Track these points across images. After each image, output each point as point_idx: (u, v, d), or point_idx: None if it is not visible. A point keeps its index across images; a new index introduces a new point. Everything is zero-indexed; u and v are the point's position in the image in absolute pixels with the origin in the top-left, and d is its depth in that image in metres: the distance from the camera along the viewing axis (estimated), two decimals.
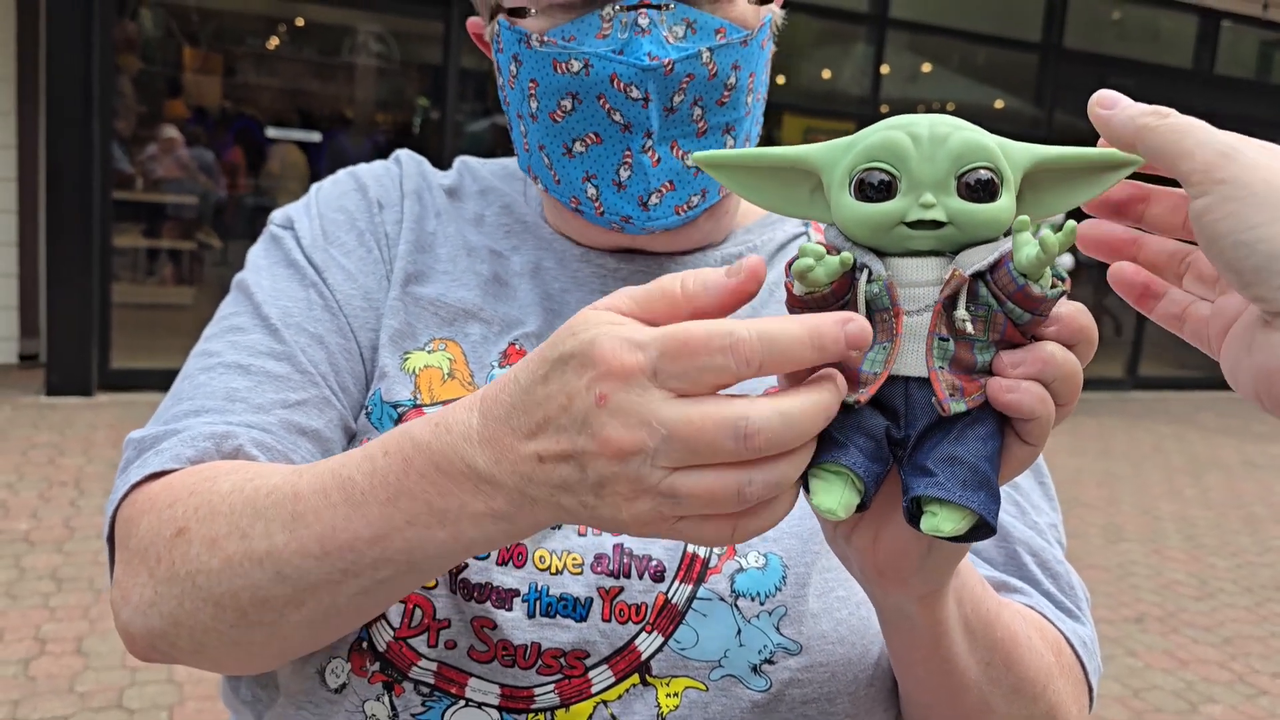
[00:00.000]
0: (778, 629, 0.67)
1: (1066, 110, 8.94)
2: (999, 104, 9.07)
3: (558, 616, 0.66)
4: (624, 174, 0.71)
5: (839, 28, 8.28)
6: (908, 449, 0.47)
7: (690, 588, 0.67)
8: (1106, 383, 9.42)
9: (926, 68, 8.90)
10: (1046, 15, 8.62)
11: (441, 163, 0.91)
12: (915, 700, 0.69)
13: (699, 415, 0.43)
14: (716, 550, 0.68)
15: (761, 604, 0.67)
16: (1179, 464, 6.73)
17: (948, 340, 0.45)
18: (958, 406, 0.45)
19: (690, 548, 0.68)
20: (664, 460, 0.44)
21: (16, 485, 4.37)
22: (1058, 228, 0.44)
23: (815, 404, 0.44)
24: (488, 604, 0.66)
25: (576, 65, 0.69)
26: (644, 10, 0.68)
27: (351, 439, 0.75)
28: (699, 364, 0.44)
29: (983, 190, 0.45)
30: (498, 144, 6.87)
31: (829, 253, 0.47)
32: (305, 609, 0.58)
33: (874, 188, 0.46)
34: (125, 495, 0.67)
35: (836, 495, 0.46)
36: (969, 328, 0.45)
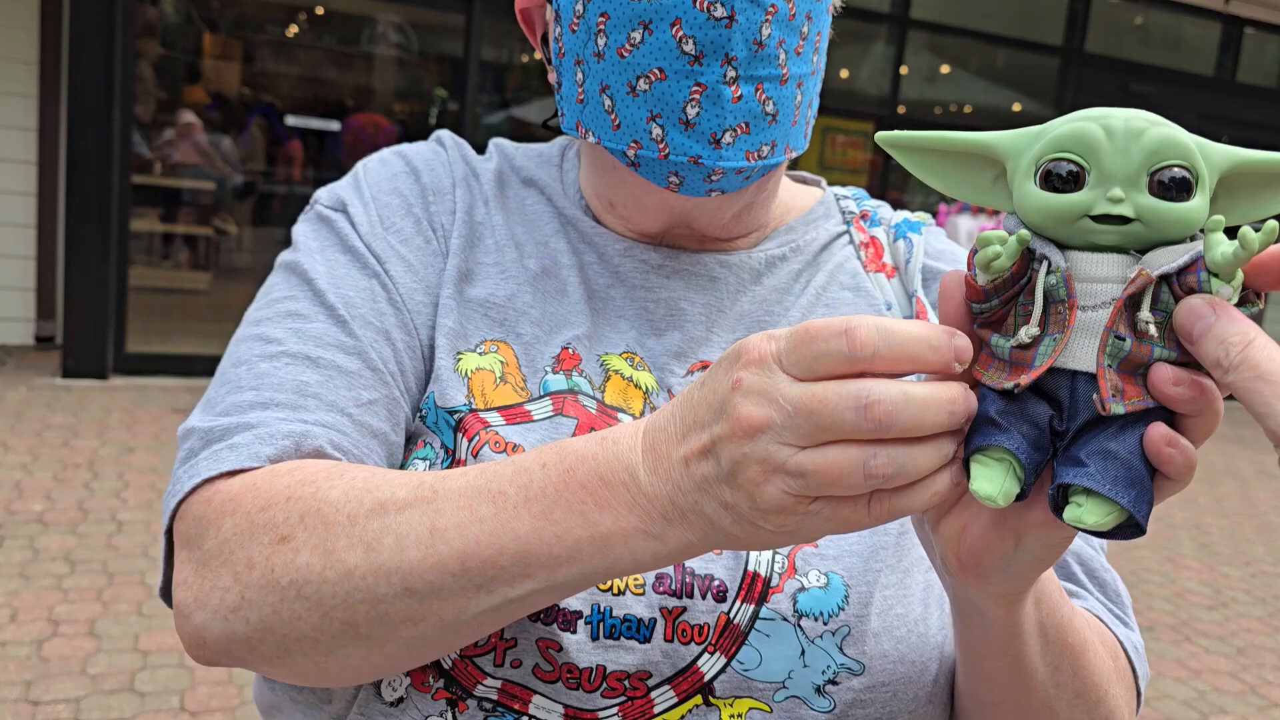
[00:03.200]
0: (841, 649, 0.66)
1: None
2: (1017, 107, 9.03)
3: (621, 638, 0.65)
4: (691, 111, 0.67)
5: (859, 27, 8.25)
6: (1065, 441, 0.46)
7: (753, 608, 0.66)
8: None
9: (945, 69, 8.87)
10: (1069, 19, 8.57)
11: None
12: (979, 697, 0.68)
13: (822, 389, 0.45)
14: (778, 569, 0.67)
15: (825, 624, 0.66)
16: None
17: (1124, 339, 0.44)
18: (1117, 407, 0.44)
19: (752, 566, 0.67)
20: (790, 435, 0.45)
21: (31, 467, 4.38)
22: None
23: (939, 392, 0.45)
24: (554, 626, 0.64)
25: None
26: None
27: (409, 441, 0.72)
28: (817, 349, 0.45)
29: (1176, 188, 0.44)
30: (515, 137, 6.86)
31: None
32: (423, 625, 0.57)
33: (1061, 178, 0.45)
34: (194, 490, 0.64)
35: (998, 482, 0.46)
36: (1151, 329, 0.44)
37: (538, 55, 0.80)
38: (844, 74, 8.52)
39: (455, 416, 0.70)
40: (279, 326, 0.71)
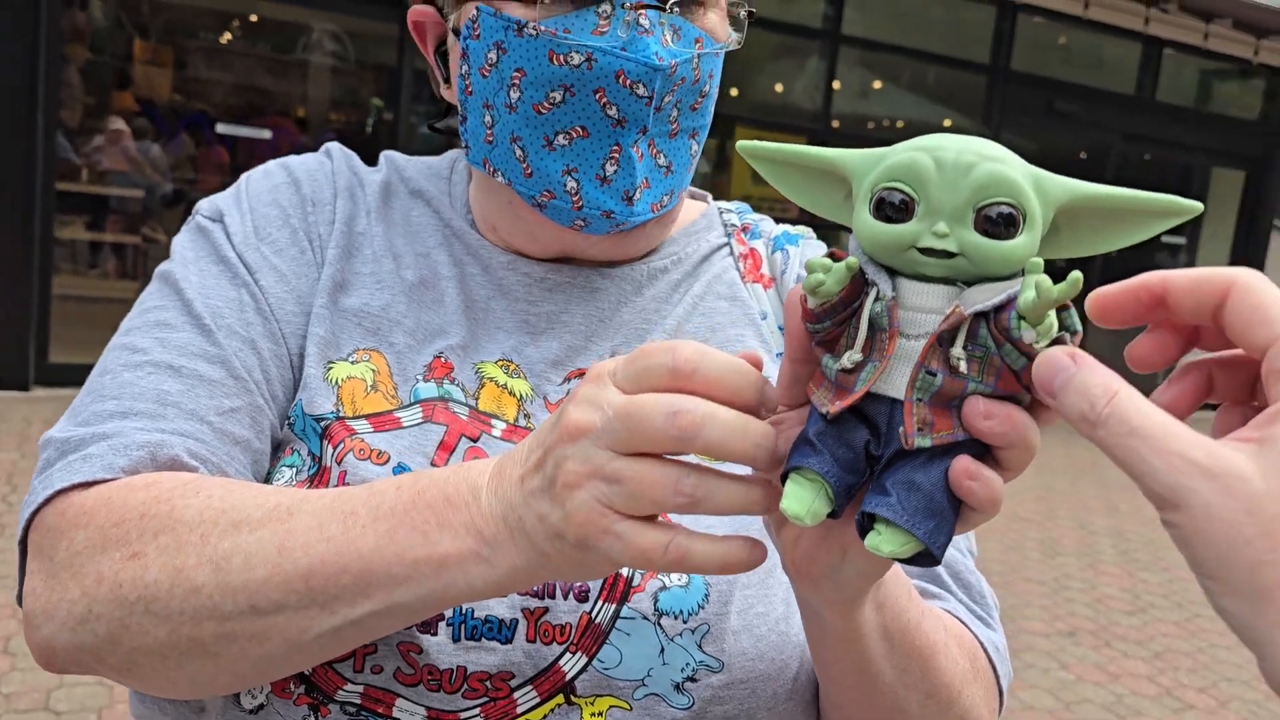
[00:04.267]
0: (700, 647, 0.68)
1: (1013, 131, 9.10)
2: (948, 122, 9.20)
3: (483, 639, 0.66)
4: (610, 169, 0.71)
5: (793, 42, 8.36)
6: (879, 466, 0.47)
7: (614, 607, 0.67)
8: None
9: (878, 85, 9.01)
10: (995, 37, 8.77)
11: None
12: (832, 698, 0.70)
13: (640, 397, 0.48)
14: (639, 569, 0.68)
15: (684, 622, 0.68)
16: (1115, 479, 6.86)
17: (935, 375, 0.44)
18: (922, 441, 0.45)
19: None
20: (609, 439, 0.47)
21: None
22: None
23: (749, 423, 0.48)
24: (413, 629, 0.65)
25: (577, 59, 0.69)
26: (643, 11, 0.69)
27: (277, 448, 0.73)
28: (645, 363, 0.49)
29: (1001, 225, 0.43)
30: (451, 147, 6.84)
31: (839, 260, 0.47)
32: (268, 644, 0.58)
33: (893, 207, 0.44)
34: (49, 500, 0.65)
35: (807, 502, 0.47)
36: (963, 366, 0.44)
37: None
38: (778, 88, 8.62)
39: (322, 424, 0.71)
40: (146, 336, 0.72)
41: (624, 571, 0.68)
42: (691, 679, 0.67)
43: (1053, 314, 0.42)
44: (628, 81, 0.69)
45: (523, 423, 0.74)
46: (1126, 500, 6.34)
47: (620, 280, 0.81)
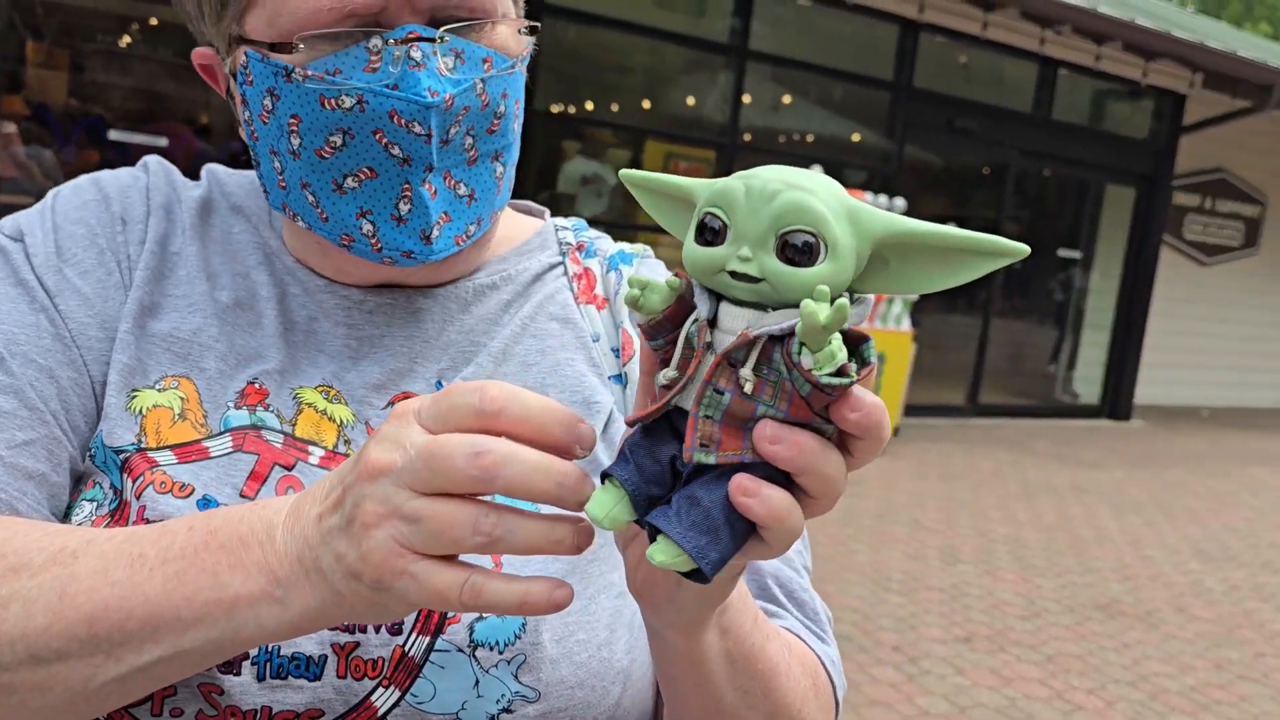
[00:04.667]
0: (516, 677, 0.67)
1: (916, 145, 9.31)
2: (856, 137, 9.38)
3: (289, 677, 0.64)
4: (404, 208, 0.69)
5: (703, 57, 8.44)
6: (680, 481, 0.48)
7: (428, 639, 0.66)
8: (949, 410, 9.81)
9: (787, 99, 9.15)
10: (898, 55, 8.96)
11: None
12: (675, 714, 0.70)
13: (444, 437, 0.47)
14: None
15: (500, 653, 0.67)
16: (1014, 488, 7.05)
17: (723, 393, 0.45)
18: (703, 457, 0.46)
19: None
20: (409, 479, 0.47)
21: None
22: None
23: (551, 463, 0.48)
24: (214, 669, 0.63)
25: (349, 101, 0.66)
26: (415, 44, 0.66)
27: (79, 481, 0.70)
28: (451, 403, 0.48)
29: (801, 253, 0.44)
30: None
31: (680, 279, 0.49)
32: (50, 695, 0.55)
33: (711, 231, 0.46)
34: None
35: (607, 507, 0.48)
36: (748, 387, 0.45)
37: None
38: (690, 101, 8.69)
39: (122, 456, 0.68)
40: None
41: None
42: (507, 710, 0.66)
43: (836, 342, 0.43)
44: (403, 121, 0.66)
45: (342, 449, 0.72)
46: (1025, 508, 6.51)
47: (444, 300, 0.79)
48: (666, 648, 0.62)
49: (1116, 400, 10.96)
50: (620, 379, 0.80)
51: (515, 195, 0.90)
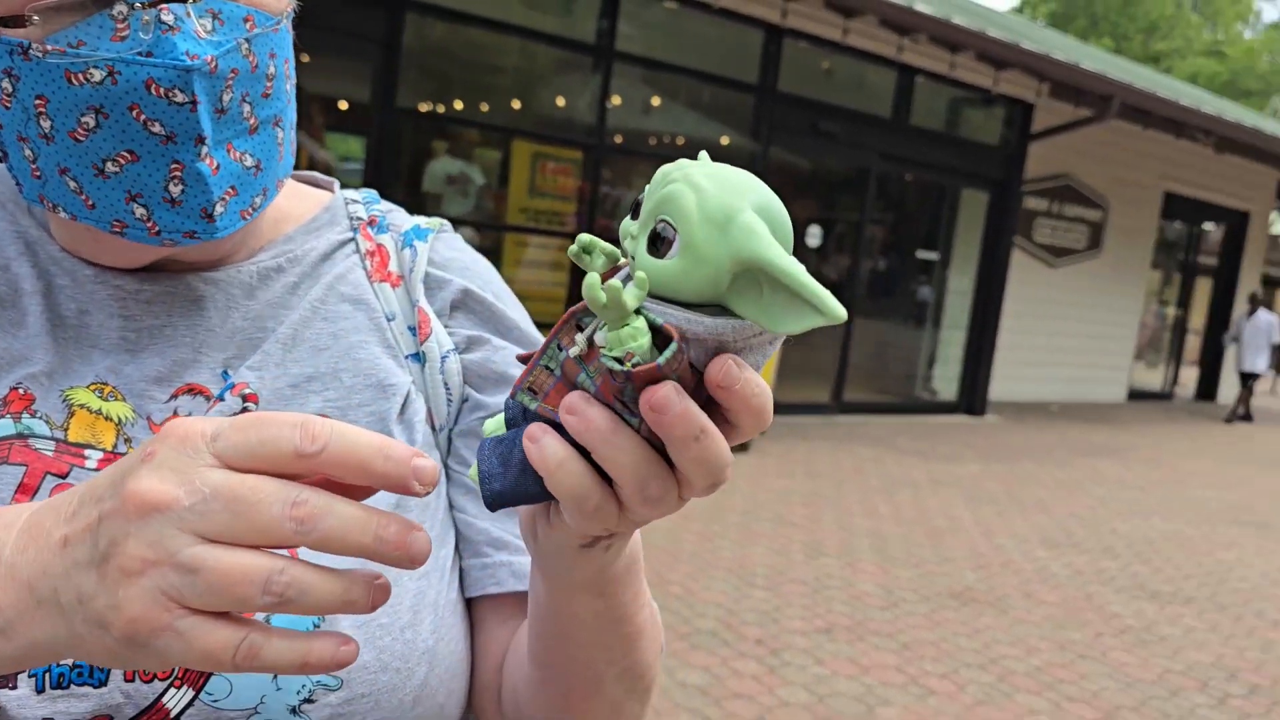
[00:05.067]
0: None
1: (781, 148, 9.50)
2: (725, 140, 9.51)
3: (72, 686, 0.60)
4: (175, 189, 0.63)
5: (570, 57, 8.43)
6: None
7: None
8: (814, 408, 10.05)
9: (655, 101, 9.22)
10: (763, 59, 9.14)
11: None
12: (536, 656, 0.68)
13: (254, 480, 0.42)
14: None
15: None
16: (876, 483, 7.25)
17: (562, 350, 0.46)
18: (526, 400, 0.47)
19: None
20: (197, 522, 0.41)
21: None
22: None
23: (370, 515, 0.43)
24: None
25: (98, 74, 0.60)
26: (165, 7, 0.60)
27: None
28: (263, 434, 0.42)
29: (658, 242, 0.44)
30: None
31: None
32: None
33: (638, 206, 0.46)
34: None
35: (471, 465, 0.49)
36: (574, 351, 0.45)
37: None
38: (559, 102, 8.68)
39: None
40: None
41: None
42: (309, 700, 0.65)
43: (631, 330, 0.42)
44: (161, 90, 0.60)
45: (122, 448, 0.68)
46: (885, 502, 6.70)
47: (226, 285, 0.74)
48: (537, 592, 0.62)
49: (973, 396, 11.40)
50: (418, 357, 0.78)
51: (383, 196, 0.86)
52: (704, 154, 0.48)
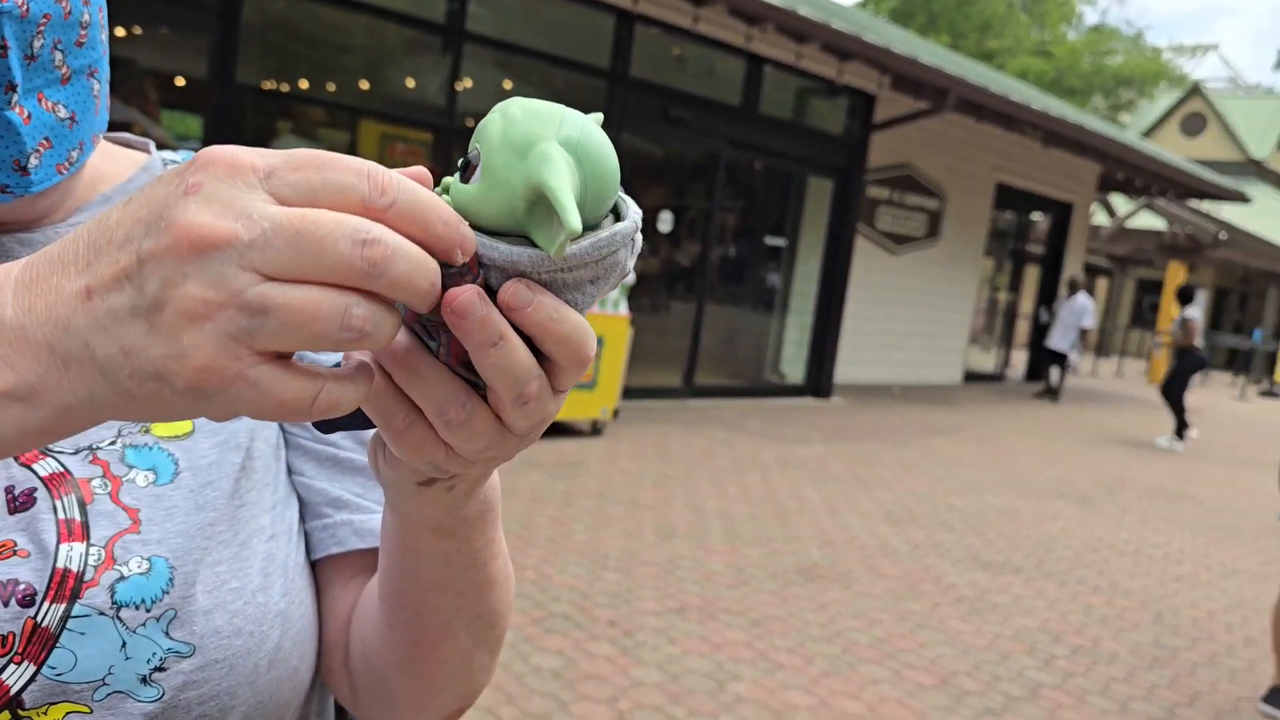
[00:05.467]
0: (167, 633, 0.64)
1: (632, 134, 9.55)
2: None
3: None
4: None
5: (419, 37, 8.27)
6: None
7: (64, 607, 0.61)
8: (666, 392, 10.17)
9: (508, 84, 9.14)
10: (615, 45, 9.16)
11: None
12: (389, 600, 0.68)
13: (316, 213, 0.37)
14: (93, 562, 0.63)
15: (148, 611, 0.63)
16: (725, 465, 7.39)
17: None
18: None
19: (62, 563, 0.62)
20: (258, 259, 0.37)
21: None
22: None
23: (429, 260, 0.40)
24: None
25: None
26: None
27: None
28: (327, 178, 0.38)
29: (465, 168, 0.44)
30: None
31: None
32: None
33: None
34: None
35: None
36: None
37: None
38: (409, 83, 8.50)
39: None
40: None
41: (73, 567, 0.62)
42: (160, 669, 0.63)
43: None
44: None
45: None
46: (735, 484, 6.84)
47: (45, 246, 0.71)
48: (391, 534, 0.62)
49: (819, 380, 11.75)
50: None
51: None
52: (518, 97, 0.47)
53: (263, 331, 0.37)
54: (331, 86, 8.17)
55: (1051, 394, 14.84)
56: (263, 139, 7.69)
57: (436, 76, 8.37)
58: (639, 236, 0.46)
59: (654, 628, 4.11)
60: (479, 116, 8.90)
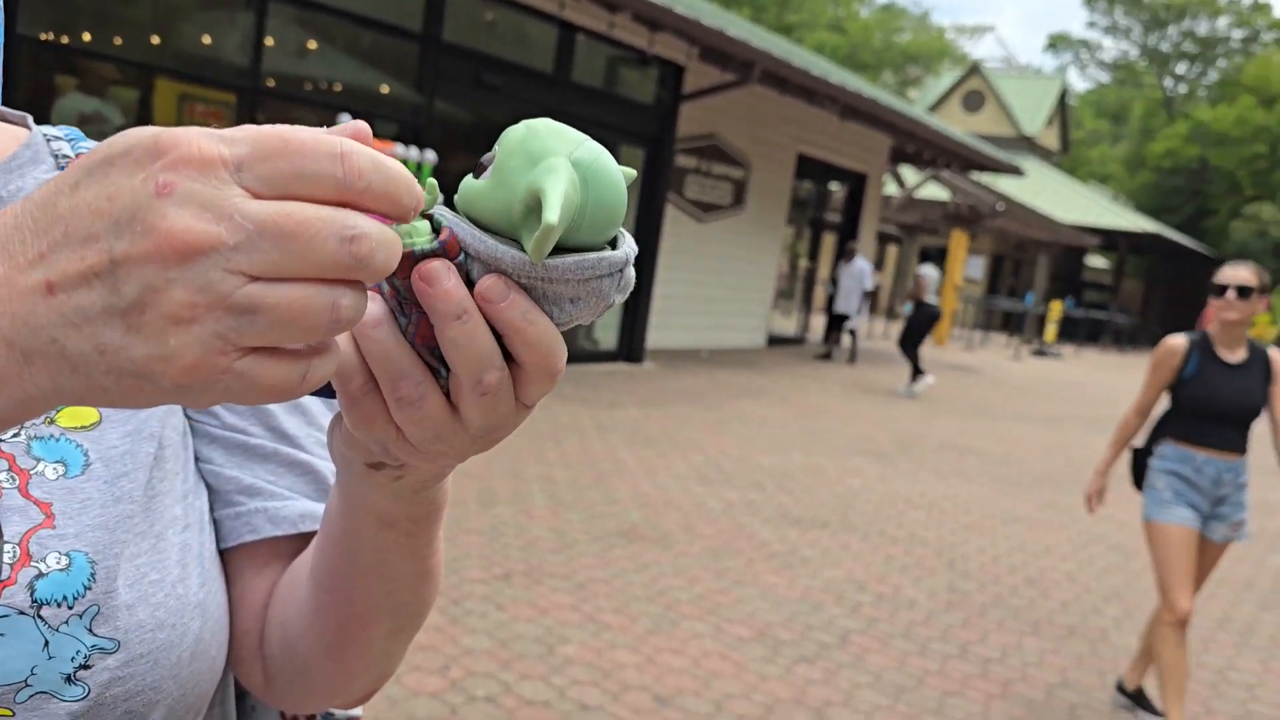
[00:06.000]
0: (90, 630, 0.63)
1: (445, 99, 9.40)
2: (385, 89, 9.27)
3: None
4: None
5: None
6: None
7: None
8: None
9: (313, 45, 8.81)
10: (426, 7, 8.97)
11: None
12: (318, 582, 0.69)
13: (300, 210, 0.37)
14: (7, 560, 0.62)
15: (70, 608, 0.62)
16: (544, 430, 7.46)
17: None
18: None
19: None
20: (244, 262, 0.36)
21: None
22: None
23: (396, 239, 0.40)
24: None
25: None
26: None
27: None
28: (299, 166, 0.38)
29: (481, 169, 0.45)
30: None
31: None
32: None
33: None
34: None
35: None
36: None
37: None
38: (205, 40, 8.07)
39: None
40: None
41: None
42: (85, 666, 0.62)
43: (409, 227, 0.44)
44: None
45: None
46: (554, 449, 6.92)
47: None
48: (334, 515, 0.62)
49: (631, 345, 11.96)
50: None
51: None
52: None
53: (252, 330, 0.37)
54: (119, 40, 7.67)
55: (826, 356, 15.60)
56: (42, 96, 7.16)
57: (236, 33, 7.98)
58: (630, 273, 0.47)
59: (481, 595, 4.16)
60: (284, 78, 8.58)
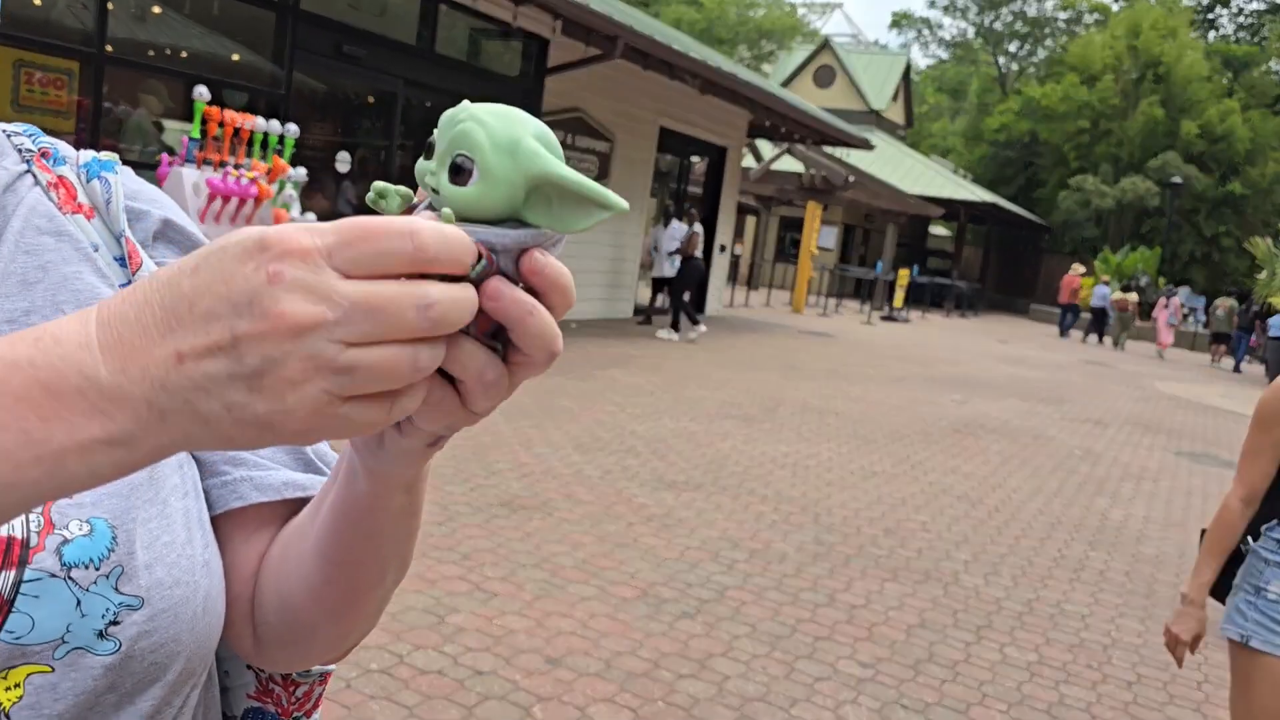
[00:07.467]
0: (117, 589, 0.67)
1: (304, 70, 9.18)
2: (236, 57, 8.99)
3: None
4: None
5: None
6: None
7: (14, 573, 0.64)
8: None
9: (157, 10, 8.47)
10: None
11: None
12: (326, 555, 0.72)
13: (383, 288, 0.45)
14: (34, 529, 0.66)
15: (97, 569, 0.66)
16: None
17: None
18: None
19: (4, 532, 0.65)
20: (344, 333, 0.44)
21: None
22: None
23: (470, 294, 0.48)
24: None
25: None
26: None
27: None
28: (378, 248, 0.45)
29: (459, 173, 0.51)
30: None
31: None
32: None
33: (431, 148, 0.53)
34: None
35: None
36: None
37: None
38: (37, 2, 7.67)
39: None
40: None
41: (18, 534, 0.65)
42: (115, 622, 0.67)
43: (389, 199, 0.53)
44: None
45: None
46: None
47: None
48: (355, 494, 0.66)
49: None
50: None
51: None
52: (465, 101, 0.55)
53: (351, 385, 0.45)
54: None
55: (646, 321, 15.39)
56: None
57: None
58: None
59: None
60: (129, 45, 8.23)
